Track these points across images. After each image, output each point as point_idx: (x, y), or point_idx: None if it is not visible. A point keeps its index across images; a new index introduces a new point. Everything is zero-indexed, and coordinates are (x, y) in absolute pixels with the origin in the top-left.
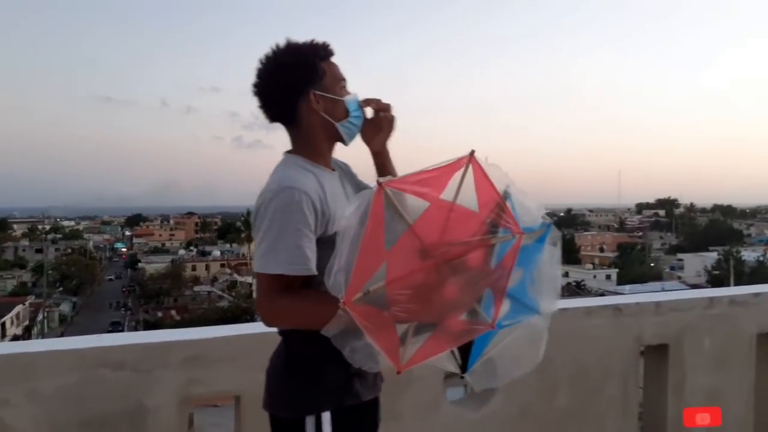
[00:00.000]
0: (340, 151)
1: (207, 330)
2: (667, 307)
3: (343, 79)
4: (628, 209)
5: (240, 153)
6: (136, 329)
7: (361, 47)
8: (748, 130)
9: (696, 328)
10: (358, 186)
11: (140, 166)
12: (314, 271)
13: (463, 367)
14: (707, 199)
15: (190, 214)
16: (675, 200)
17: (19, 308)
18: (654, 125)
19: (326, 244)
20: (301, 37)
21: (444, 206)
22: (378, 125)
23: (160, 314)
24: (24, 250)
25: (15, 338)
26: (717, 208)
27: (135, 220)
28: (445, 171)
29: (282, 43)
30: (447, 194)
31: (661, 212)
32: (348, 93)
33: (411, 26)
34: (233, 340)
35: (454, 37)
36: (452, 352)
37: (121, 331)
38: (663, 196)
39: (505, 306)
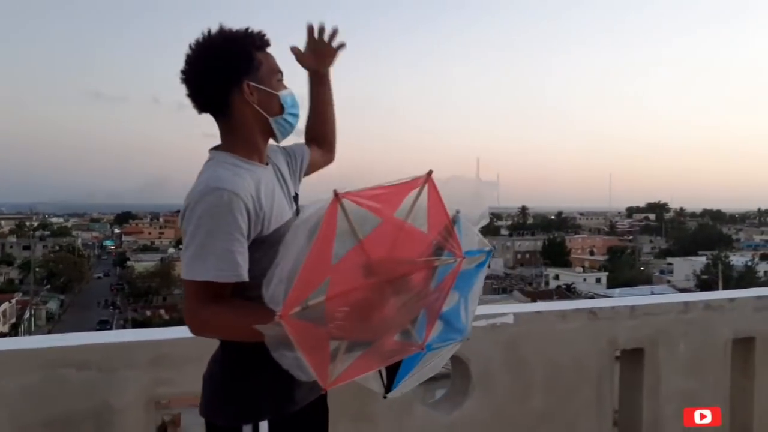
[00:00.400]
0: None
1: (173, 330)
2: (642, 311)
3: (280, 72)
4: (619, 213)
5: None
6: (124, 328)
7: (370, 44)
8: (738, 136)
9: (671, 333)
10: (290, 155)
11: (130, 163)
12: (245, 278)
13: (388, 387)
14: (697, 203)
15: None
16: (665, 204)
17: (5, 306)
18: (645, 129)
19: (260, 246)
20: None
21: (395, 224)
22: (323, 50)
23: (149, 313)
24: (11, 247)
25: (1, 335)
26: (706, 213)
27: (124, 217)
28: (401, 189)
29: (215, 29)
30: (400, 212)
31: (652, 216)
32: (284, 87)
33: (406, 29)
34: (200, 341)
35: (444, 36)
36: (379, 371)
37: (110, 329)
38: (653, 200)
39: (438, 328)
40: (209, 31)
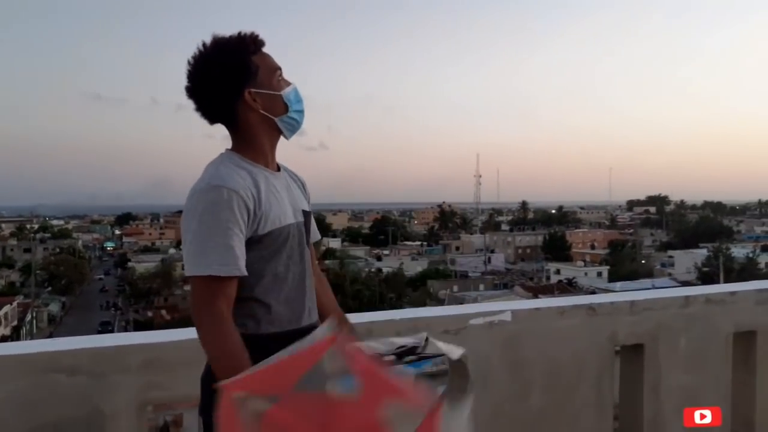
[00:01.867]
0: (302, 164)
1: (165, 333)
2: (642, 306)
3: (278, 69)
4: (619, 206)
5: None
6: (126, 329)
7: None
8: (738, 127)
9: (671, 328)
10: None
11: (131, 165)
12: (244, 272)
13: None
14: (697, 195)
15: (181, 212)
16: (665, 197)
17: (6, 308)
18: (644, 122)
19: (253, 245)
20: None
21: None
22: None
23: (150, 314)
24: (12, 250)
25: (3, 339)
26: (707, 205)
27: (125, 219)
28: (299, 360)
29: (208, 40)
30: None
31: (652, 209)
32: (286, 84)
33: (404, 24)
34: (192, 344)
35: (441, 31)
36: None
37: (111, 331)
38: (654, 193)
39: None
40: (204, 45)
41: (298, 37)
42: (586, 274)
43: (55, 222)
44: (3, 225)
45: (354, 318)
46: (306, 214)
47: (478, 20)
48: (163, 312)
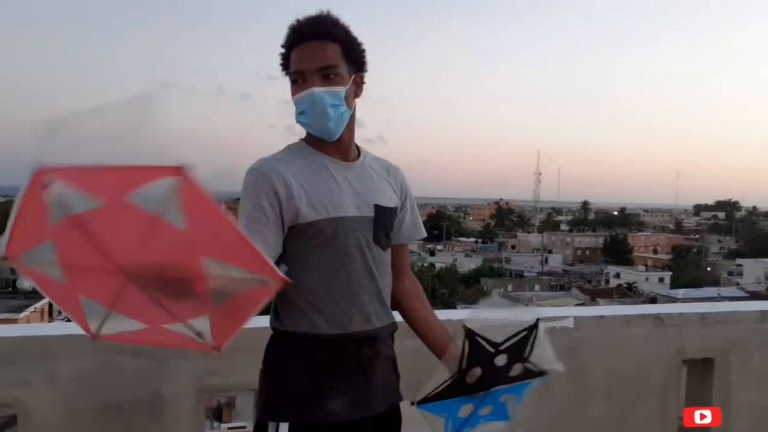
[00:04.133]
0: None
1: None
2: (714, 319)
3: (297, 72)
4: (686, 210)
5: (292, 141)
6: None
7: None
8: None
9: (744, 343)
10: (398, 188)
11: (197, 152)
12: None
13: None
14: None
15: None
16: (736, 203)
17: None
18: (715, 123)
19: (299, 234)
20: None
21: (125, 208)
22: None
23: None
24: None
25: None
26: None
27: None
28: (135, 174)
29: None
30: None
31: (721, 215)
32: (300, 89)
33: (465, 19)
34: (251, 333)
35: (502, 28)
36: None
37: None
38: (723, 197)
39: (489, 408)
40: None
41: (355, 29)
42: (647, 279)
43: None
44: None
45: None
46: (380, 209)
47: (542, 15)
48: None
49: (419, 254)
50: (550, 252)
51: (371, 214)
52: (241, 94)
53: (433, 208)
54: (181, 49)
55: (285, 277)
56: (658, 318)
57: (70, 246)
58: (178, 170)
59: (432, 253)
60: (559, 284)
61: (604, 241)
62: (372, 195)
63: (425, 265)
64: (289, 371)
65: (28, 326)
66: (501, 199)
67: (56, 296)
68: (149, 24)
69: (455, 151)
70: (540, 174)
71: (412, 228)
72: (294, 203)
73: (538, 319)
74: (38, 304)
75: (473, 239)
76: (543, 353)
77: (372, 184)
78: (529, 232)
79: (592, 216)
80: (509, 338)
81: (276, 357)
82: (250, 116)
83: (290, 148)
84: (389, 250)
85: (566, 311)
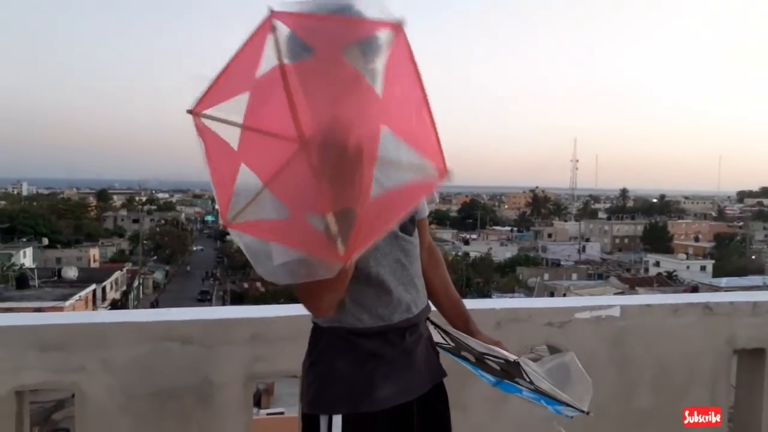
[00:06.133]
0: None
1: (271, 308)
2: (766, 308)
3: None
4: (729, 197)
5: None
6: (223, 299)
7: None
8: None
9: None
10: None
11: None
12: None
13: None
14: None
15: None
16: None
17: (117, 274)
18: (758, 108)
19: None
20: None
21: (335, 63)
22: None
23: (246, 285)
24: (122, 220)
25: (113, 302)
26: None
27: None
28: (355, 25)
29: None
30: (348, 53)
31: (766, 201)
32: None
33: (505, 8)
34: (296, 320)
35: (541, 14)
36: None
37: (210, 300)
38: None
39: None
40: None
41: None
42: (688, 267)
43: (160, 195)
44: (115, 197)
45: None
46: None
47: (576, 2)
48: (258, 284)
49: (453, 243)
50: (587, 240)
51: None
52: None
53: (467, 196)
54: (215, 42)
55: (448, 168)
56: (707, 307)
57: (262, 101)
58: (396, 26)
59: (466, 242)
60: (597, 273)
61: (643, 229)
62: None
63: (459, 254)
64: (337, 363)
65: (83, 314)
66: (537, 187)
67: (215, 163)
68: (184, 17)
69: (490, 138)
70: (577, 161)
71: (428, 200)
72: None
73: (516, 360)
74: (82, 293)
75: (508, 228)
76: (572, 389)
77: None
78: (566, 221)
79: (630, 203)
80: (485, 353)
81: (321, 350)
82: None
83: None
84: (416, 234)
85: (612, 300)
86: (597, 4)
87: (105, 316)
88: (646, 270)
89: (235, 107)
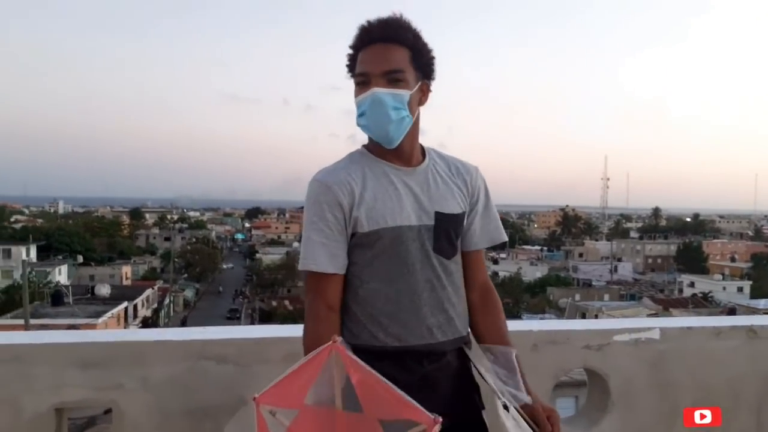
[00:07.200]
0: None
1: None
2: None
3: (361, 74)
4: (765, 216)
5: (354, 149)
6: (252, 317)
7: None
8: None
9: None
10: (468, 187)
11: (265, 162)
12: (323, 269)
13: None
14: None
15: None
16: None
17: (148, 292)
18: None
19: (360, 244)
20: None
21: (315, 413)
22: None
23: (274, 303)
24: (154, 238)
25: (145, 319)
26: None
27: (254, 212)
28: (307, 367)
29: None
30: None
31: None
32: (362, 90)
33: (534, 25)
34: None
35: (564, 32)
36: None
37: (239, 318)
38: None
39: None
40: None
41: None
42: (724, 288)
43: (192, 213)
44: (147, 215)
45: None
46: (442, 216)
47: (607, 18)
48: (286, 302)
49: None
50: (619, 260)
51: (431, 222)
52: (305, 104)
53: None
54: (247, 64)
55: (433, 418)
56: (751, 330)
57: (304, 426)
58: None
59: (495, 262)
60: (629, 294)
61: (677, 248)
62: (433, 202)
63: (488, 273)
64: None
65: (122, 332)
66: (567, 205)
67: None
68: (215, 38)
69: (518, 157)
70: (608, 179)
71: (486, 231)
72: (355, 213)
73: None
74: (115, 310)
75: (538, 247)
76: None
77: (435, 190)
78: (597, 240)
79: (663, 222)
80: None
81: None
82: (313, 126)
83: (351, 157)
84: (458, 258)
85: (651, 322)
86: (628, 20)
87: (143, 334)
88: (681, 291)
89: (285, 413)
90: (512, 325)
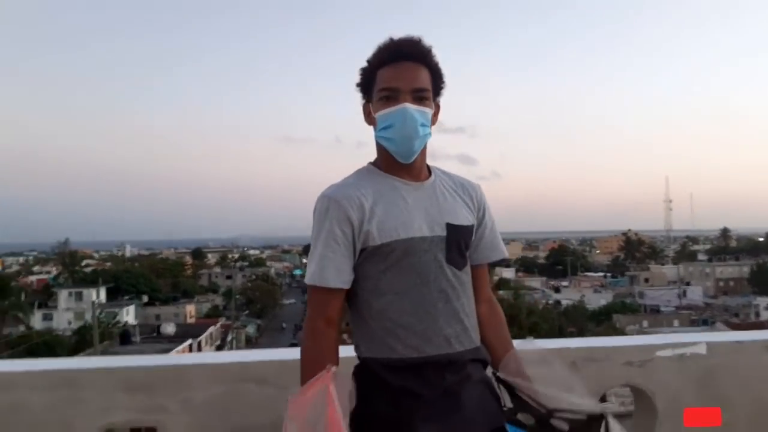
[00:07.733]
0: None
1: (343, 349)
2: None
3: (385, 89)
4: None
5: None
6: None
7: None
8: None
9: None
10: (474, 203)
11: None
12: (330, 284)
13: None
14: None
15: None
16: None
17: (212, 329)
18: None
19: (371, 257)
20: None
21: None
22: None
23: None
24: (216, 277)
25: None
26: None
27: (309, 248)
28: (308, 389)
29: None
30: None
31: None
32: (384, 106)
33: (583, 47)
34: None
35: (619, 50)
36: None
37: None
38: None
39: None
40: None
41: (468, 62)
42: None
43: (252, 251)
44: (209, 255)
45: (523, 344)
46: (453, 227)
47: (664, 33)
48: (344, 335)
49: (543, 291)
50: (687, 284)
51: (443, 233)
52: (357, 141)
53: (554, 242)
54: (298, 105)
55: None
56: None
57: None
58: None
59: (557, 290)
60: (701, 319)
61: (749, 269)
62: (443, 213)
63: (550, 302)
64: (374, 401)
65: (164, 356)
66: (629, 230)
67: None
68: (269, 82)
69: (575, 183)
70: (670, 201)
71: (490, 247)
72: (366, 227)
73: (603, 414)
74: (179, 347)
75: (601, 273)
76: None
77: (444, 203)
78: (662, 264)
79: (733, 243)
80: (561, 410)
81: (360, 385)
82: (364, 161)
83: (359, 173)
84: (468, 270)
85: (697, 336)
86: (687, 32)
87: (185, 358)
88: (757, 314)
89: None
90: (549, 344)
